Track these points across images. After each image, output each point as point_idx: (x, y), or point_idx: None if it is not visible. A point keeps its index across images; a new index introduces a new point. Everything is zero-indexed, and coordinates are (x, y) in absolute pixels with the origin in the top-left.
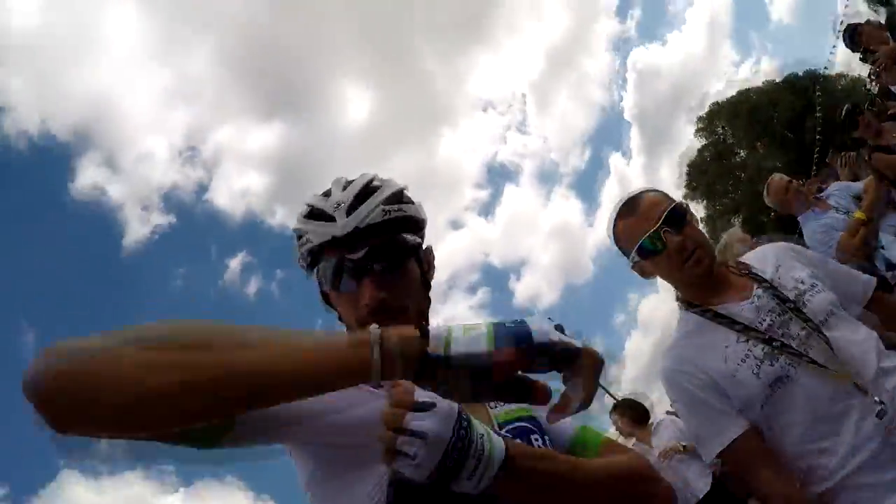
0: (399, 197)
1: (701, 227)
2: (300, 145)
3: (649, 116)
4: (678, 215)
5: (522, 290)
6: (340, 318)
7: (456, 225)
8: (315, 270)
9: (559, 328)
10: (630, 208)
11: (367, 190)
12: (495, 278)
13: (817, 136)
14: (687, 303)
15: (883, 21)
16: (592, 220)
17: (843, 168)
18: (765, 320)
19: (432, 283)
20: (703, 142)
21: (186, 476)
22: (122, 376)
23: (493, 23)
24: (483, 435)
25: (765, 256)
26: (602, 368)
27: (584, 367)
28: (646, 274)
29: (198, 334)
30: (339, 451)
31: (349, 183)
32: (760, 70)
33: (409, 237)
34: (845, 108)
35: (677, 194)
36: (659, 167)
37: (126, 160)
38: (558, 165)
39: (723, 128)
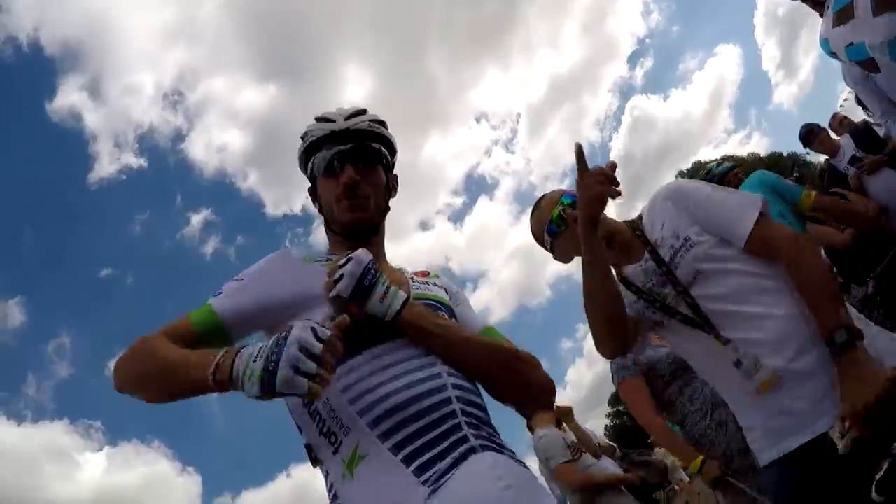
0: (382, 123)
1: None
2: (289, 114)
3: (634, 162)
4: (572, 199)
5: (476, 301)
6: (320, 210)
7: (425, 226)
8: (310, 162)
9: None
10: (536, 206)
11: (361, 111)
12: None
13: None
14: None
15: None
16: None
17: None
18: (650, 280)
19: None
20: None
21: (113, 435)
22: (132, 371)
23: (508, 40)
24: (390, 282)
25: (653, 212)
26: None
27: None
28: (564, 255)
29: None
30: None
31: (349, 107)
32: (750, 144)
33: (384, 150)
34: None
35: None
36: (631, 211)
37: (110, 90)
38: (535, 188)
39: None
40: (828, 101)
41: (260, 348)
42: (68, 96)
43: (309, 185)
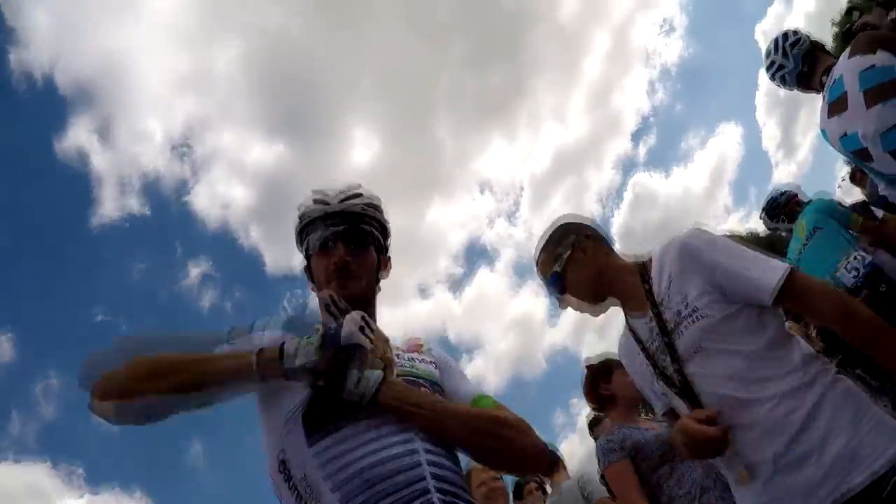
0: (375, 205)
1: None
2: (295, 173)
3: (634, 238)
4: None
5: (472, 371)
6: (314, 287)
7: (424, 293)
8: (305, 241)
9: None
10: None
11: (356, 193)
12: (447, 353)
13: None
14: None
15: None
16: (556, 322)
17: None
18: (654, 341)
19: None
20: None
21: (95, 482)
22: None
23: (515, 112)
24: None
25: (662, 262)
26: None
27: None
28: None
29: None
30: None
31: (345, 187)
32: (749, 222)
33: (375, 232)
34: None
35: None
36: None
37: (119, 134)
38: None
39: None
40: (826, 180)
41: (309, 333)
42: (77, 137)
43: (304, 262)
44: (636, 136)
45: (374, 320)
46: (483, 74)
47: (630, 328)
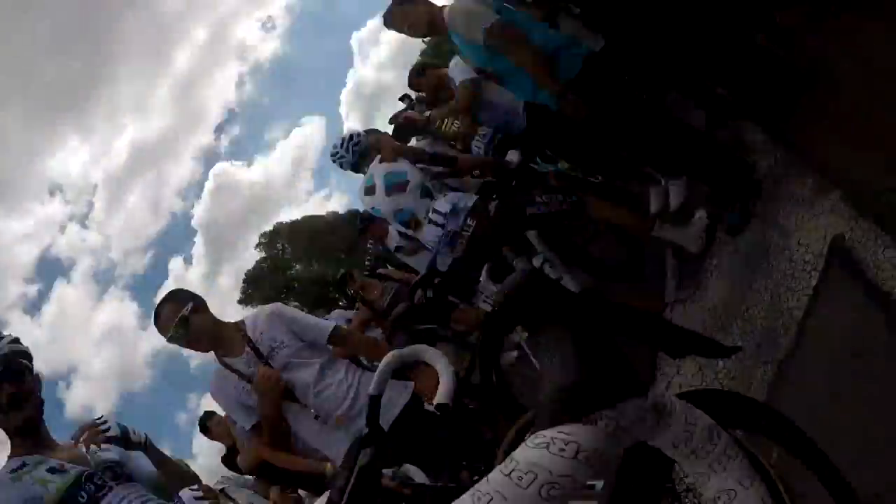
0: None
1: None
2: None
3: (218, 227)
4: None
5: (74, 399)
6: None
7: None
8: None
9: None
10: (155, 319)
11: None
12: (44, 388)
13: (366, 261)
14: None
15: None
16: (147, 324)
17: None
18: (251, 368)
19: None
20: (263, 255)
21: None
22: None
23: (94, 104)
24: None
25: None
26: None
27: None
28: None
29: None
30: None
31: None
32: (331, 202)
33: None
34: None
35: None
36: (219, 275)
37: None
38: (116, 266)
39: (282, 245)
40: None
41: None
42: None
43: None
44: (220, 129)
45: None
46: (58, 60)
47: (227, 366)
